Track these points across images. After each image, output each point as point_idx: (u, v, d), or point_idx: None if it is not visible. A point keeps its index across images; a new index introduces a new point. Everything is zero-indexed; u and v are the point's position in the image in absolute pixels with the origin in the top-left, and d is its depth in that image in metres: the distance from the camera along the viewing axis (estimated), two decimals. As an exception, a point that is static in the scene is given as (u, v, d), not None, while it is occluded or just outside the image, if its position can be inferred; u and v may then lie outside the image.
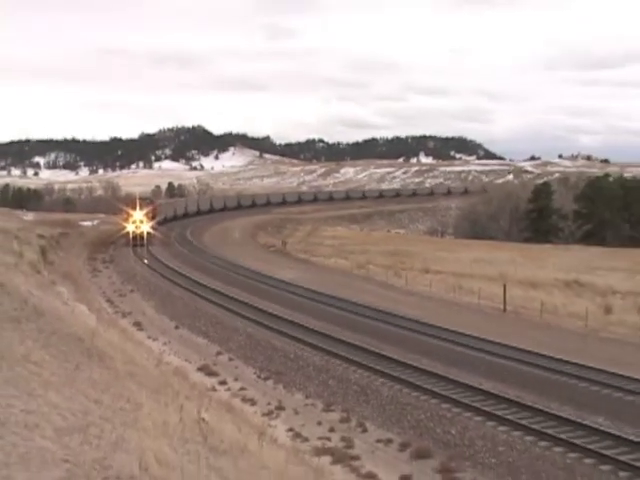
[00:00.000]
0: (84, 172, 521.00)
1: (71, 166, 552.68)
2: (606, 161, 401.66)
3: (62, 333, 16.46)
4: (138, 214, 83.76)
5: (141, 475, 7.05)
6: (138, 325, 40.25)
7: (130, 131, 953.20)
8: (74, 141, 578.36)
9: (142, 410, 10.97)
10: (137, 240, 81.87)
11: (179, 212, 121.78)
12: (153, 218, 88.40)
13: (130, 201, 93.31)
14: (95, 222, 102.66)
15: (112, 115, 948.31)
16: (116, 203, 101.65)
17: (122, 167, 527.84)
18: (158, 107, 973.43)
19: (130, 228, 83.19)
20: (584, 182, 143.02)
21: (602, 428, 22.46)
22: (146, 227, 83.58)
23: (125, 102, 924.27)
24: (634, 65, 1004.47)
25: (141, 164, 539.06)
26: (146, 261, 69.08)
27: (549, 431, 22.12)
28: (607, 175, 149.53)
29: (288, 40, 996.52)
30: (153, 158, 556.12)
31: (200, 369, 30.94)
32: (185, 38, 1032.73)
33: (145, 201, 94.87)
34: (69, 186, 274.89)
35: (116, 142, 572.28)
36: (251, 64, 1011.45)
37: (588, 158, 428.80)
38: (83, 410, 9.36)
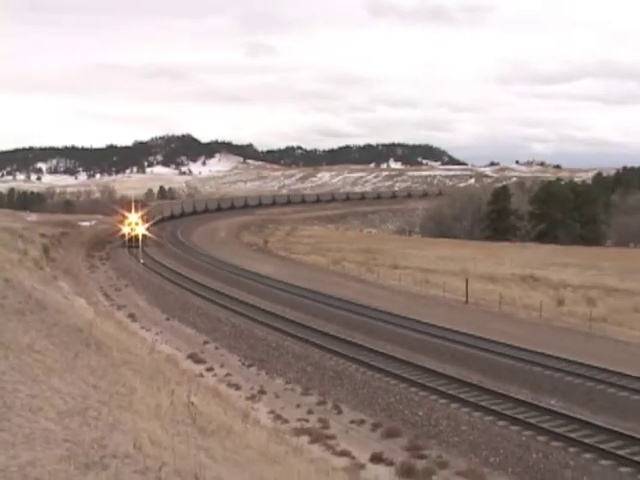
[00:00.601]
0: (83, 177, 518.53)
1: (71, 171, 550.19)
2: (558, 167, 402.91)
3: (63, 324, 16.41)
4: (133, 216, 79.37)
5: (135, 454, 7.05)
6: (132, 317, 40.12)
7: (125, 139, 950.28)
8: (74, 148, 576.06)
9: (136, 394, 10.95)
10: (132, 242, 76.98)
11: (168, 213, 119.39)
12: (148, 220, 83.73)
13: (125, 204, 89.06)
14: (93, 222, 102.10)
15: (108, 124, 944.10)
16: (112, 205, 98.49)
17: (117, 172, 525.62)
18: (150, 117, 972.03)
19: (126, 230, 79.01)
20: (538, 186, 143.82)
21: (554, 409, 22.64)
22: (141, 229, 78.60)
23: (120, 113, 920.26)
24: (581, 80, 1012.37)
25: (135, 169, 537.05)
26: (139, 258, 67.78)
27: (507, 412, 22.27)
28: (559, 179, 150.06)
29: (269, 56, 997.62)
30: (146, 164, 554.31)
31: (189, 357, 30.89)
32: (175, 55, 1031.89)
33: (139, 203, 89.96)
34: (69, 190, 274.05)
35: (112, 149, 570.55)
36: (235, 78, 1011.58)
37: (542, 164, 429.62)
38: (82, 394, 9.35)
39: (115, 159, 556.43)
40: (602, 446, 19.17)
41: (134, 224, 78.93)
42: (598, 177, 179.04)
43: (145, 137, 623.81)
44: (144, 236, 78.14)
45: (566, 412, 22.21)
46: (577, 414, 22.05)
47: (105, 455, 6.77)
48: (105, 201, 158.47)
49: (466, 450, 19.76)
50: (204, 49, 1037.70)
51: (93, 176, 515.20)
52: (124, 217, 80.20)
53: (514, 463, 18.63)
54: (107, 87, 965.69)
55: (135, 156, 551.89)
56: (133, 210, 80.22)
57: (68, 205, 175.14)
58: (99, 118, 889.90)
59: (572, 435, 20.05)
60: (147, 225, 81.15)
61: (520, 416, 21.82)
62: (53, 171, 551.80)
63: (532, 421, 21.32)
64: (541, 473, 17.98)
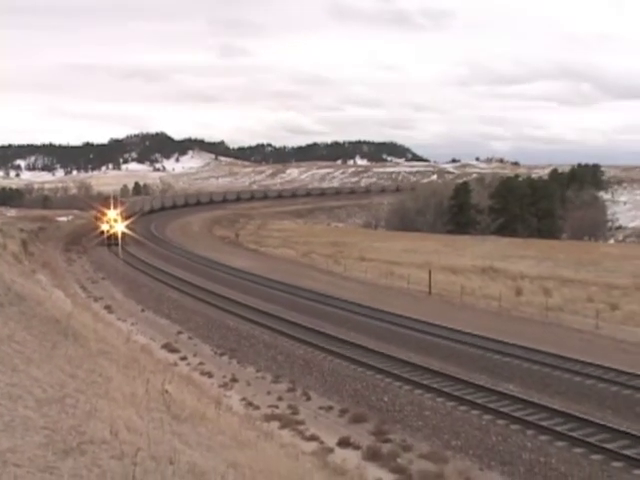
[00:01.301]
0: (60, 173, 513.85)
1: (48, 168, 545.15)
2: (516, 164, 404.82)
3: (41, 316, 16.30)
4: (112, 213, 73.94)
5: (112, 440, 7.03)
6: (108, 308, 39.94)
7: (101, 137, 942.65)
8: (51, 146, 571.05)
9: (112, 383, 10.92)
10: (112, 239, 71.66)
11: (145, 208, 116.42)
12: (128, 217, 78.32)
13: (103, 200, 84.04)
14: (70, 217, 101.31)
15: (84, 123, 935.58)
16: (89, 202, 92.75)
17: (94, 169, 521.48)
18: (125, 116, 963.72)
19: (104, 227, 73.79)
20: (498, 181, 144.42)
21: (513, 394, 22.85)
22: (121, 226, 73.08)
23: (96, 111, 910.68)
24: (537, 82, 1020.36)
25: (110, 166, 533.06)
26: (119, 255, 66.04)
27: (468, 397, 22.44)
28: (517, 176, 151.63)
29: (240, 58, 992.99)
30: (121, 161, 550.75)
31: (164, 347, 30.80)
32: (150, 56, 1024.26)
33: (118, 200, 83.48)
34: (47, 186, 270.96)
35: (88, 147, 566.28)
36: (208, 78, 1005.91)
37: (501, 161, 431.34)
38: (60, 383, 9.30)
39: (91, 156, 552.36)
40: (558, 428, 19.38)
41: (113, 221, 73.91)
42: (554, 173, 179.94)
43: (120, 135, 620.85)
44: (124, 234, 72.74)
45: (524, 397, 22.43)
46: (534, 399, 22.28)
47: (83, 441, 6.75)
48: (82, 197, 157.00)
49: (429, 434, 19.89)
50: (177, 51, 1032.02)
51: (70, 173, 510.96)
52: (102, 214, 75.21)
53: (475, 446, 18.77)
54: (83, 86, 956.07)
55: (111, 153, 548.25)
56: (112, 207, 74.98)
57: (46, 201, 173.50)
58: (75, 116, 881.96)
59: (529, 418, 20.26)
60: (127, 222, 76.09)
61: (480, 401, 22.01)
62: (31, 168, 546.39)
63: (491, 406, 21.52)
64: (500, 455, 18.13)
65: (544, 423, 19.84)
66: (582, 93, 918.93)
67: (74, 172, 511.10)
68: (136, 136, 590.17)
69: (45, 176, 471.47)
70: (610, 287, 50.04)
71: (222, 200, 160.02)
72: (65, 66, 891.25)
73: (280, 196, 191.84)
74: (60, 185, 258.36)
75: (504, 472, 17.33)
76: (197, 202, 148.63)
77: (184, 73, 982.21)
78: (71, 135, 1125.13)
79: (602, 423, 19.84)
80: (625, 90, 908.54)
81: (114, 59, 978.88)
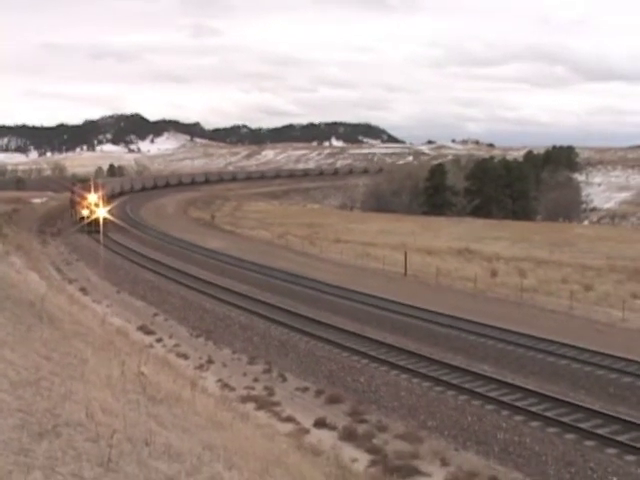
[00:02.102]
0: (34, 155, 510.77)
1: (22, 149, 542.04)
2: (492, 145, 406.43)
3: (15, 298, 16.21)
4: (93, 197, 67.14)
5: (87, 422, 7.01)
6: (83, 290, 39.79)
7: (75, 118, 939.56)
8: (25, 127, 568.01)
9: (88, 365, 10.87)
10: (92, 226, 64.09)
11: (118, 190, 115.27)
12: (109, 201, 71.26)
13: (81, 182, 76.71)
14: (44, 199, 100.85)
15: (58, 104, 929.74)
16: (66, 184, 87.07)
17: (68, 150, 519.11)
18: (100, 97, 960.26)
19: (84, 213, 67.45)
20: (473, 163, 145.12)
21: (487, 374, 22.99)
22: (102, 212, 64.69)
23: (70, 92, 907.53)
24: (509, 64, 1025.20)
25: (85, 147, 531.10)
26: (100, 242, 62.54)
27: (443, 377, 22.56)
28: (492, 157, 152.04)
29: (213, 38, 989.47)
30: (96, 142, 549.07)
31: (139, 328, 30.75)
32: (122, 36, 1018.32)
33: (98, 182, 75.08)
34: (20, 167, 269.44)
35: (62, 128, 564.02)
36: (180, 59, 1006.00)
37: (476, 142, 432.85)
38: (35, 366, 9.25)
39: (65, 137, 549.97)
40: (532, 409, 19.54)
41: (94, 206, 66.74)
42: (529, 155, 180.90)
43: (95, 116, 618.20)
44: (106, 219, 64.66)
45: (498, 377, 22.58)
46: (508, 379, 22.45)
47: (58, 424, 6.72)
48: (57, 179, 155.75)
49: (405, 414, 19.99)
50: (149, 31, 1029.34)
51: (44, 154, 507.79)
52: (82, 198, 68.69)
53: (450, 426, 18.89)
54: (57, 67, 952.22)
55: (85, 135, 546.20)
56: (92, 190, 68.14)
57: (19, 182, 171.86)
58: (49, 97, 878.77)
59: (504, 399, 20.40)
60: (108, 207, 68.56)
61: (455, 381, 22.13)
62: (4, 149, 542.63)
63: (467, 386, 21.65)
64: (475, 435, 18.26)
65: (519, 403, 20.00)
66: (555, 75, 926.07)
67: (48, 153, 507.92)
68: (111, 117, 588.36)
69: (18, 157, 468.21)
70: (584, 268, 50.41)
71: (197, 182, 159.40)
72: (37, 47, 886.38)
73: (256, 177, 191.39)
74: (34, 167, 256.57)
75: (479, 452, 17.46)
76: (171, 184, 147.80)
77: (156, 53, 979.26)
78: (45, 116, 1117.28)
79: (576, 403, 20.02)
80: (598, 72, 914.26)
81: (86, 39, 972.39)
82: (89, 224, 64.97)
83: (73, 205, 75.24)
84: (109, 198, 75.20)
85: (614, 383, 22.16)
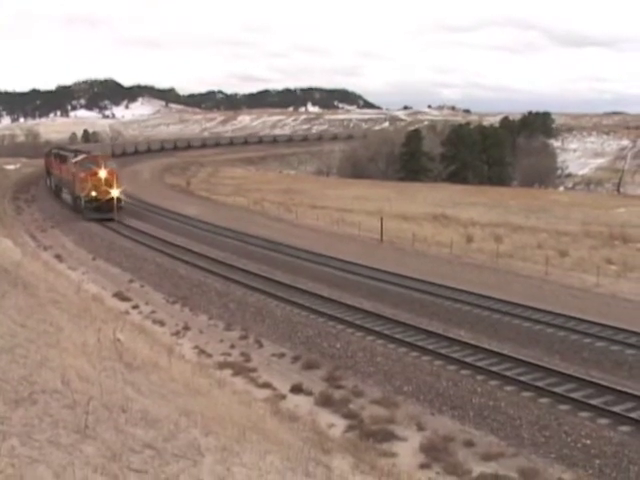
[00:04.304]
0: (6, 120, 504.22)
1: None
2: (468, 111, 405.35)
3: (-11, 265, 16.10)
4: (103, 173, 52.32)
5: (64, 389, 7.01)
6: (59, 257, 39.60)
7: (48, 83, 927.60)
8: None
9: (63, 332, 10.86)
10: (102, 210, 52.06)
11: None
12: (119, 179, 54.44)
13: (82, 154, 59.68)
14: (18, 165, 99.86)
15: (31, 69, 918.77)
16: (62, 153, 67.12)
17: (41, 116, 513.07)
18: (73, 62, 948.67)
19: (92, 193, 52.49)
20: (449, 129, 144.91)
21: (463, 339, 23.15)
22: (116, 192, 52.27)
23: (42, 57, 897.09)
24: (484, 30, 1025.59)
25: (59, 113, 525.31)
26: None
27: (419, 343, 22.70)
28: (468, 123, 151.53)
29: (185, 2, 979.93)
30: (69, 108, 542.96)
31: (115, 295, 30.68)
32: (94, 1, 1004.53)
33: (105, 156, 61.61)
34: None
35: (35, 93, 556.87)
36: (156, 24, 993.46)
37: (453, 108, 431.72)
38: (10, 333, 9.22)
39: (39, 103, 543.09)
40: (507, 373, 19.72)
41: (104, 184, 52.31)
42: (505, 121, 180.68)
43: (68, 81, 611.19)
44: (119, 200, 53.13)
45: (474, 342, 22.75)
46: (484, 344, 22.62)
47: (34, 391, 6.72)
48: (30, 145, 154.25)
49: (381, 380, 20.12)
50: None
51: (17, 120, 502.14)
52: (86, 174, 52.91)
53: (426, 391, 19.04)
54: (28, 32, 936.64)
55: (59, 100, 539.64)
56: (102, 164, 53.57)
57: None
58: (21, 62, 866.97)
59: (479, 364, 20.57)
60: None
61: (431, 347, 22.28)
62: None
63: (442, 351, 21.80)
64: (451, 400, 18.42)
65: (494, 368, 20.17)
66: (531, 41, 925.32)
67: (21, 119, 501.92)
68: (84, 82, 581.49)
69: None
70: (559, 234, 50.76)
71: (173, 147, 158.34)
72: (9, 12, 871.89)
73: (231, 143, 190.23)
74: (7, 132, 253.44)
75: (454, 416, 17.64)
76: (148, 149, 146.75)
77: (131, 18, 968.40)
78: (17, 81, 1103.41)
79: (550, 367, 20.21)
80: (574, 38, 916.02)
81: (58, 3, 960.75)
82: (97, 208, 52.49)
83: (66, 183, 60.99)
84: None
85: (588, 348, 22.39)
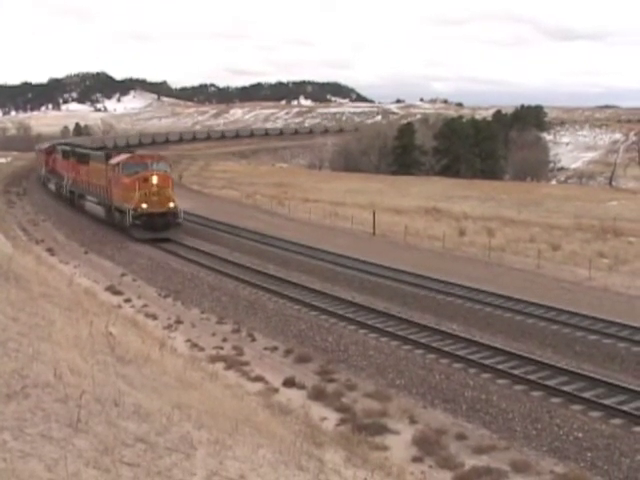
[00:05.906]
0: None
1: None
2: (460, 104, 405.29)
3: (-20, 259, 16.06)
4: (155, 178, 41.29)
5: (56, 383, 6.99)
6: (51, 251, 39.52)
7: (39, 76, 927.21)
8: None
9: (55, 326, 10.82)
10: (156, 228, 40.96)
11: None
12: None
13: (122, 153, 47.35)
14: (9, 159, 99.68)
15: (22, 61, 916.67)
16: (83, 152, 55.80)
17: (33, 109, 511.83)
18: (64, 55, 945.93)
19: (142, 206, 40.62)
20: (442, 122, 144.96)
21: (456, 333, 23.19)
22: (172, 203, 41.80)
23: (34, 50, 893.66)
24: (477, 23, 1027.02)
25: (50, 106, 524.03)
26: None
27: (412, 336, 22.73)
28: (461, 117, 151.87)
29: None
30: (61, 101, 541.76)
31: (107, 289, 30.64)
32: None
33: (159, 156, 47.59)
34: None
35: (26, 86, 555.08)
36: (148, 17, 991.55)
37: (445, 101, 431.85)
38: (1, 327, 9.19)
39: (30, 96, 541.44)
40: (499, 366, 19.76)
41: (157, 193, 41.29)
42: (497, 114, 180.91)
43: (60, 74, 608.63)
44: (176, 215, 41.96)
45: (466, 336, 22.79)
46: (476, 337, 22.67)
47: (26, 385, 6.70)
48: (22, 138, 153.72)
49: (373, 373, 20.15)
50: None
51: (8, 113, 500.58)
52: (134, 179, 40.96)
53: (418, 384, 19.07)
54: (19, 24, 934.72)
55: (50, 93, 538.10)
56: (155, 162, 43.31)
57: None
58: (12, 55, 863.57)
59: (472, 357, 20.61)
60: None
61: (424, 340, 22.31)
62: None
63: (435, 345, 21.84)
64: (443, 393, 18.46)
65: (486, 361, 20.20)
66: (521, 35, 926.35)
67: (12, 112, 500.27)
68: (76, 75, 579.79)
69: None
70: (552, 227, 50.81)
71: (165, 141, 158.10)
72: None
73: (224, 137, 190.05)
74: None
75: (447, 409, 17.67)
76: (139, 143, 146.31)
77: (123, 11, 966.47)
78: (8, 74, 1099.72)
79: (542, 361, 20.27)
80: (564, 32, 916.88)
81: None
82: (148, 225, 41.02)
83: (92, 190, 49.67)
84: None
85: (580, 341, 22.44)
